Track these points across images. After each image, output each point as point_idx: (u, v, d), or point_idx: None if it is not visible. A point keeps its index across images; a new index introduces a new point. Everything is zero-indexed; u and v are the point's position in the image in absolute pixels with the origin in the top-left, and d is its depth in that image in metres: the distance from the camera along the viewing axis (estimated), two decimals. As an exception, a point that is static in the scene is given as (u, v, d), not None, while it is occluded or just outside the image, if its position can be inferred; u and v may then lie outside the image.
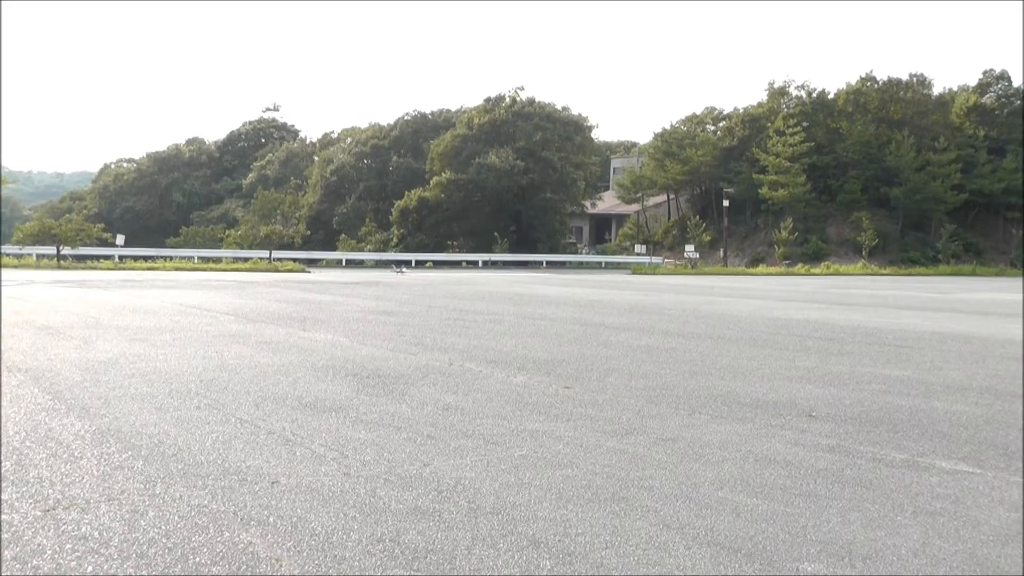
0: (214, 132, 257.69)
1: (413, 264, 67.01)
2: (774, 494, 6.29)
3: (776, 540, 5.34)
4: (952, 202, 77.48)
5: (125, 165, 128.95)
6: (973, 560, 5.08)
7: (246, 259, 62.15)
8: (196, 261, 61.34)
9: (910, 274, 66.48)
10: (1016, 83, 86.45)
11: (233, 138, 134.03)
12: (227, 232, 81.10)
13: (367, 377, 11.31)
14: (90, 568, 4.73)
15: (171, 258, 62.79)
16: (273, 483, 6.34)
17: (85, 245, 57.75)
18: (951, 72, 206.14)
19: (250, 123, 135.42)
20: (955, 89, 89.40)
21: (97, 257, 59.09)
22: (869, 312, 24.65)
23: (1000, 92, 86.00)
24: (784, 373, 12.24)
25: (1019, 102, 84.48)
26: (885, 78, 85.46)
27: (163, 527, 5.35)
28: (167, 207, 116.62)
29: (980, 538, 5.45)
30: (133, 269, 51.96)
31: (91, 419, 8.41)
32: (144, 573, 4.67)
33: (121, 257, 60.29)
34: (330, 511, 5.72)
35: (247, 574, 4.70)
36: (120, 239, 61.54)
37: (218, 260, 62.24)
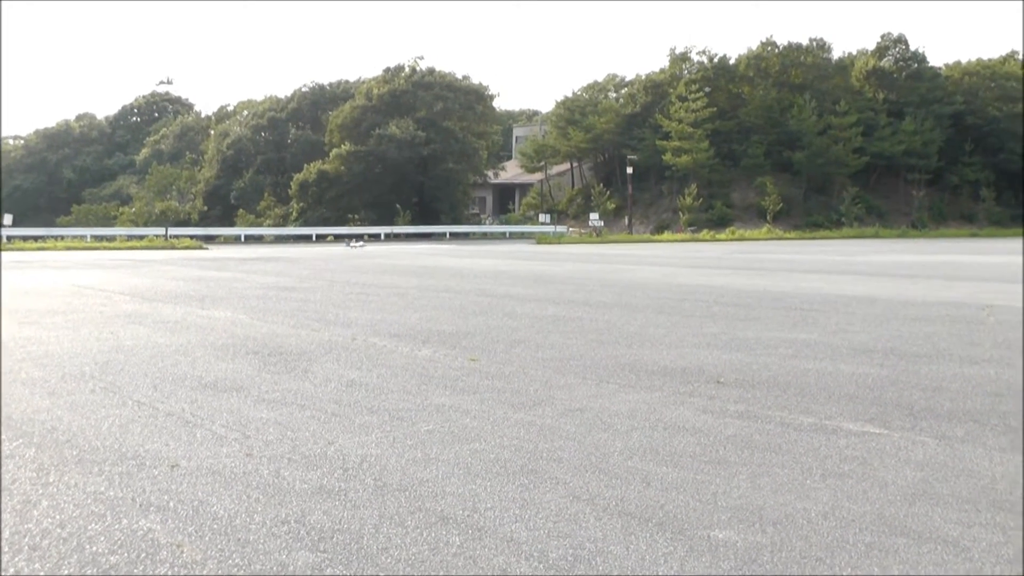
0: (105, 107, 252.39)
1: (373, 237, 65.93)
2: (684, 462, 6.29)
3: (687, 508, 5.32)
4: (854, 165, 78.98)
5: (11, 142, 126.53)
6: (881, 520, 5.11)
7: (141, 237, 60.84)
8: (89, 240, 59.95)
9: (814, 238, 67.61)
10: (913, 47, 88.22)
11: (125, 112, 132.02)
12: (121, 210, 79.73)
13: (268, 355, 11.13)
14: (-22, 563, 4.53)
15: (62, 237, 61.19)
16: (173, 467, 6.18)
17: (-31, 226, 56.13)
18: (850, 36, 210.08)
19: (143, 97, 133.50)
20: (854, 53, 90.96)
21: (-18, 238, 57.56)
22: (775, 277, 24.96)
23: (898, 56, 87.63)
24: (691, 340, 12.30)
25: (916, 65, 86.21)
26: (785, 43, 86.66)
27: (57, 517, 5.17)
28: (57, 185, 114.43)
29: (888, 498, 5.49)
30: (22, 250, 50.50)
31: (-20, 406, 8.13)
32: (37, 566, 4.49)
33: (9, 237, 58.70)
34: (232, 494, 5.59)
35: (147, 561, 4.54)
36: (7, 219, 59.81)
37: (112, 238, 60.91)
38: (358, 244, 55.52)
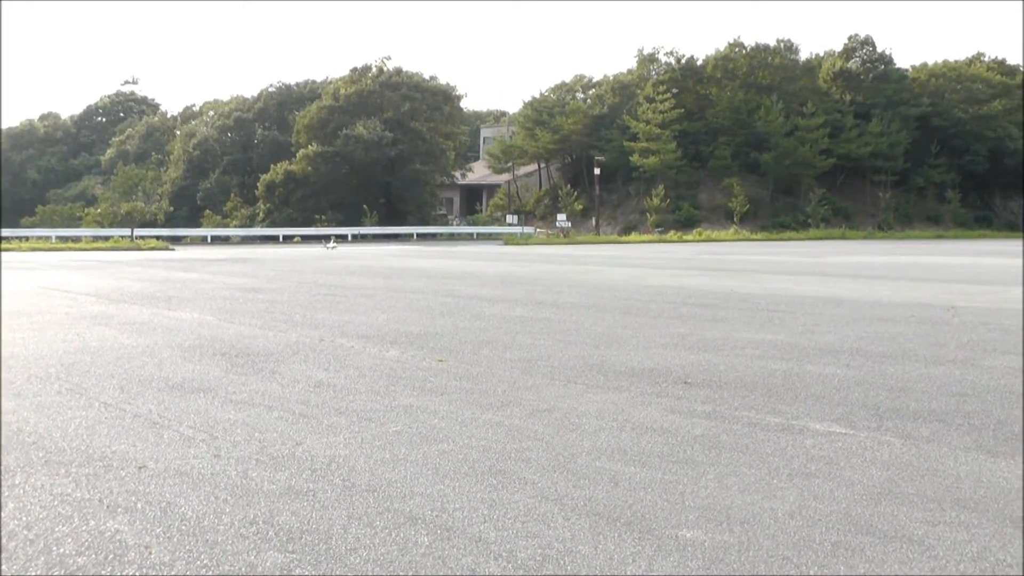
0: (70, 106, 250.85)
1: (340, 239, 65.55)
2: (652, 462, 6.31)
3: (655, 508, 5.34)
4: (821, 167, 79.13)
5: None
6: (848, 520, 5.15)
7: (107, 238, 60.32)
8: (54, 241, 59.51)
9: (781, 239, 67.79)
10: (880, 48, 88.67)
11: (90, 112, 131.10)
12: (86, 210, 79.05)
13: (236, 356, 11.09)
14: (-56, 566, 4.50)
15: (27, 238, 60.77)
16: (140, 468, 6.16)
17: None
18: (817, 37, 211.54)
19: (108, 97, 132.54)
20: (821, 54, 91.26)
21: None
22: (742, 278, 25.04)
23: (865, 57, 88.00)
24: (659, 341, 12.34)
25: (883, 67, 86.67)
26: (753, 44, 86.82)
27: (23, 518, 5.15)
28: (21, 185, 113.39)
29: (854, 497, 5.54)
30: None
31: (-55, 407, 8.06)
32: (3, 568, 4.47)
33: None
34: (200, 495, 5.58)
35: (115, 563, 4.53)
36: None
37: (77, 239, 60.38)
38: (332, 245, 55.41)
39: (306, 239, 65.64)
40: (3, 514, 5.22)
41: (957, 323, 14.38)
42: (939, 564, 4.55)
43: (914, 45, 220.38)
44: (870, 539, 4.87)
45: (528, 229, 73.73)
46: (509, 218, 78.79)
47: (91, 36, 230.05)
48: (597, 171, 74.39)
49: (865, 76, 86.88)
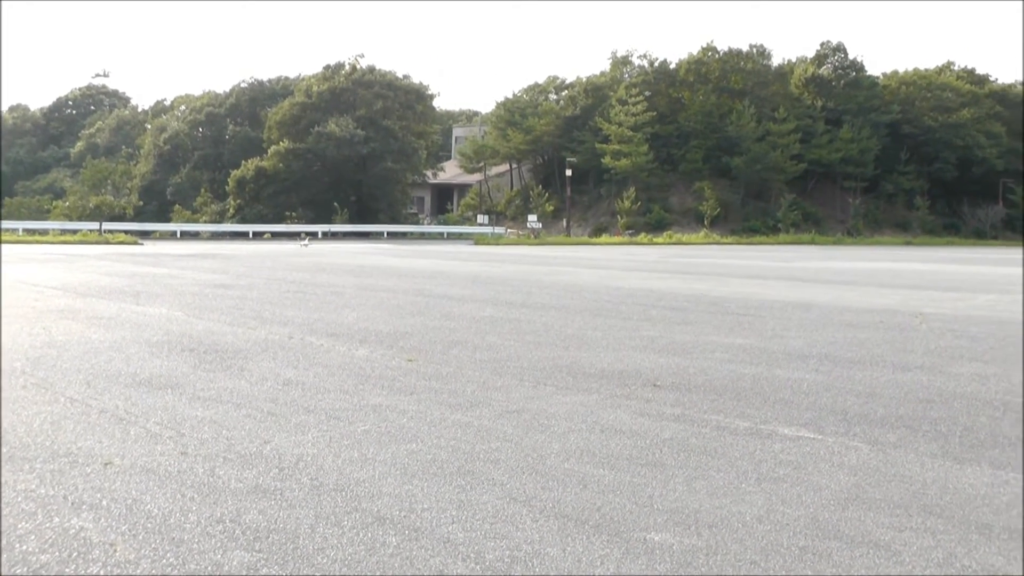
0: (39, 98, 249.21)
1: (311, 236, 65.17)
2: (620, 464, 6.31)
3: (623, 510, 5.35)
4: (791, 172, 79.57)
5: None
6: (815, 524, 5.17)
7: (75, 231, 59.95)
8: (21, 233, 59.02)
9: (751, 243, 68.21)
10: (851, 55, 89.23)
11: (60, 104, 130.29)
12: (54, 203, 78.64)
13: (204, 352, 11.04)
14: (-95, 561, 4.45)
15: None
16: (106, 464, 6.11)
17: None
18: (789, 43, 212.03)
19: (78, 89, 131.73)
20: (794, 60, 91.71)
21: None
22: (712, 281, 25.10)
23: (837, 63, 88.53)
24: (629, 343, 12.35)
25: (855, 73, 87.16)
26: (726, 48, 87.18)
27: (-14, 514, 5.09)
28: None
29: (822, 502, 5.56)
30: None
31: (-92, 401, 7.98)
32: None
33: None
34: (167, 492, 5.54)
35: (79, 560, 4.49)
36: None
37: (45, 232, 60.04)
38: (305, 243, 55.23)
39: (276, 236, 65.44)
40: (-34, 509, 5.17)
41: (925, 330, 14.47)
42: (905, 569, 4.58)
43: (885, 52, 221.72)
44: (837, 544, 4.88)
45: (499, 229, 73.78)
46: (480, 218, 78.84)
47: (62, 28, 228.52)
48: (569, 172, 74.58)
49: (837, 82, 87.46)
